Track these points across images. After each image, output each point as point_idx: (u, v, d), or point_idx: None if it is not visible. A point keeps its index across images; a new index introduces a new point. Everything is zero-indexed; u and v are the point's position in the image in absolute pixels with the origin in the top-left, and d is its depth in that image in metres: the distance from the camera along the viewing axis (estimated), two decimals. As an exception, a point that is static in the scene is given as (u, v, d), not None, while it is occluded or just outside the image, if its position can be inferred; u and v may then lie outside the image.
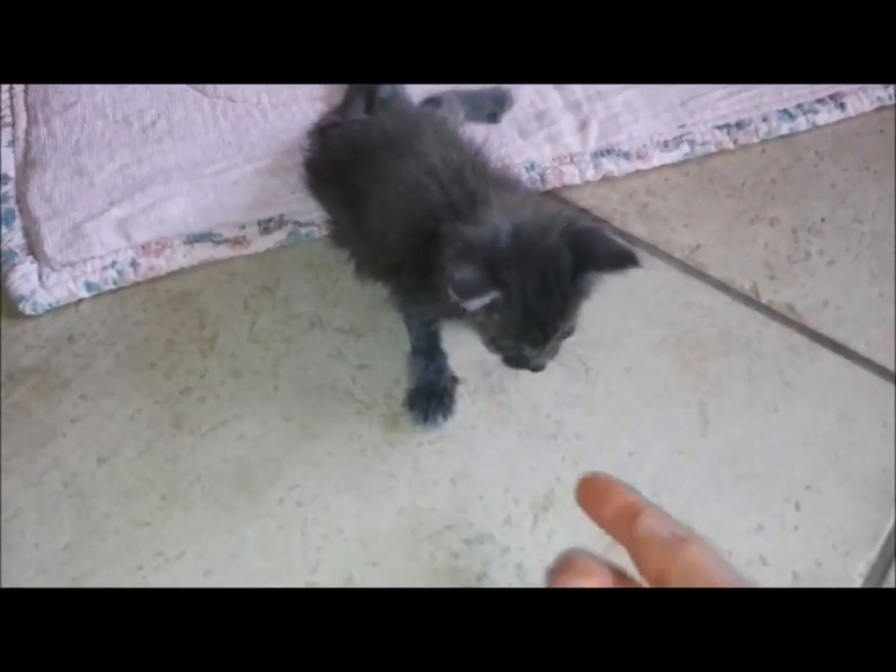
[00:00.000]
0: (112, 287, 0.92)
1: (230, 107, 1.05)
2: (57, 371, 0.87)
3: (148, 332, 0.89)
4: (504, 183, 0.78)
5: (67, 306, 0.91)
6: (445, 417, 0.81)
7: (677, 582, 0.33)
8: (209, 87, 1.07)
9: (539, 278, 0.68)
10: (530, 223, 0.69)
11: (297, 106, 1.05)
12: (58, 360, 0.87)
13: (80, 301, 0.91)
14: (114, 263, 0.92)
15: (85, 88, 1.08)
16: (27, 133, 1.05)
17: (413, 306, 0.82)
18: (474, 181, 0.75)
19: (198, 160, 1.00)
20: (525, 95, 1.05)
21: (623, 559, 0.73)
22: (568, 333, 0.74)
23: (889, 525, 0.75)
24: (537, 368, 0.76)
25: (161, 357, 0.87)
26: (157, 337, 0.88)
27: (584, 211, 0.96)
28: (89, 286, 0.91)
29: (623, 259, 0.69)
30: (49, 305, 0.90)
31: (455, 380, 0.83)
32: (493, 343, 0.75)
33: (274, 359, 0.87)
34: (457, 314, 0.77)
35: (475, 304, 0.67)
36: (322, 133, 0.98)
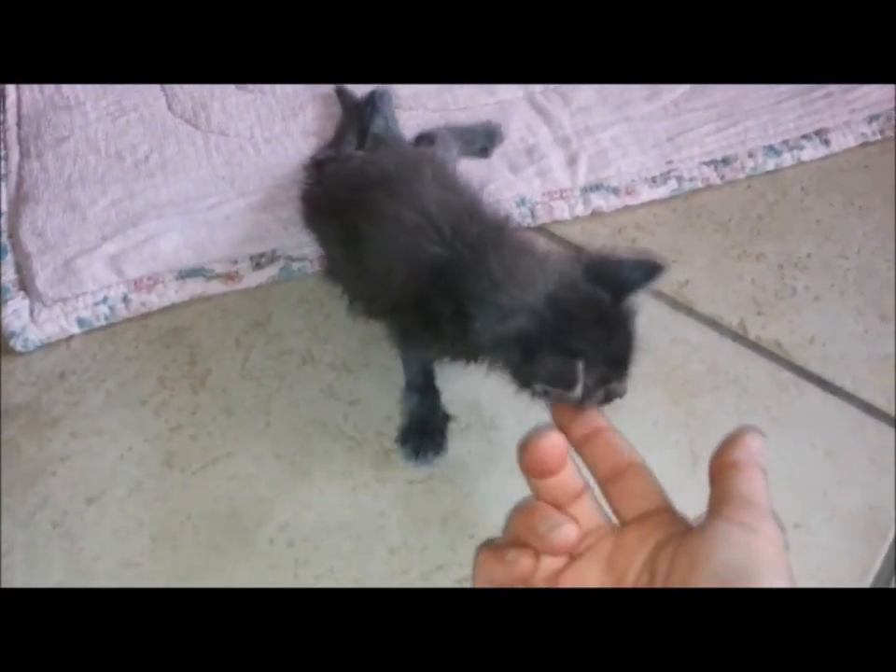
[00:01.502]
0: (103, 322, 0.91)
1: (222, 141, 1.06)
2: (48, 408, 0.86)
3: (140, 369, 0.88)
4: (502, 233, 0.77)
5: (58, 342, 0.90)
6: (437, 454, 0.81)
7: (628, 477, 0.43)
8: (202, 120, 1.08)
9: (600, 328, 0.67)
10: (557, 286, 0.69)
11: (290, 140, 1.06)
12: (49, 397, 0.87)
13: (71, 337, 0.91)
14: (105, 299, 0.92)
15: (78, 121, 1.08)
16: (19, 166, 1.05)
17: (415, 349, 0.82)
18: (473, 230, 0.75)
19: (190, 194, 1.00)
20: (516, 130, 1.06)
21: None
22: (637, 352, 0.72)
23: (878, 564, 0.75)
24: (623, 394, 0.73)
25: (153, 394, 0.87)
26: (148, 373, 0.88)
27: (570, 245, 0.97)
28: (80, 321, 0.91)
29: (648, 272, 0.70)
30: (41, 342, 0.90)
31: (447, 417, 0.83)
32: (586, 398, 0.70)
33: (266, 396, 0.86)
34: (466, 356, 0.77)
35: (579, 389, 0.65)
36: (319, 166, 0.98)
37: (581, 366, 0.66)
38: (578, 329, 0.68)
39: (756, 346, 0.88)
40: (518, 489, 0.81)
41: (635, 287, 0.70)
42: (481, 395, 0.86)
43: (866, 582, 0.74)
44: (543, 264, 0.73)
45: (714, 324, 0.90)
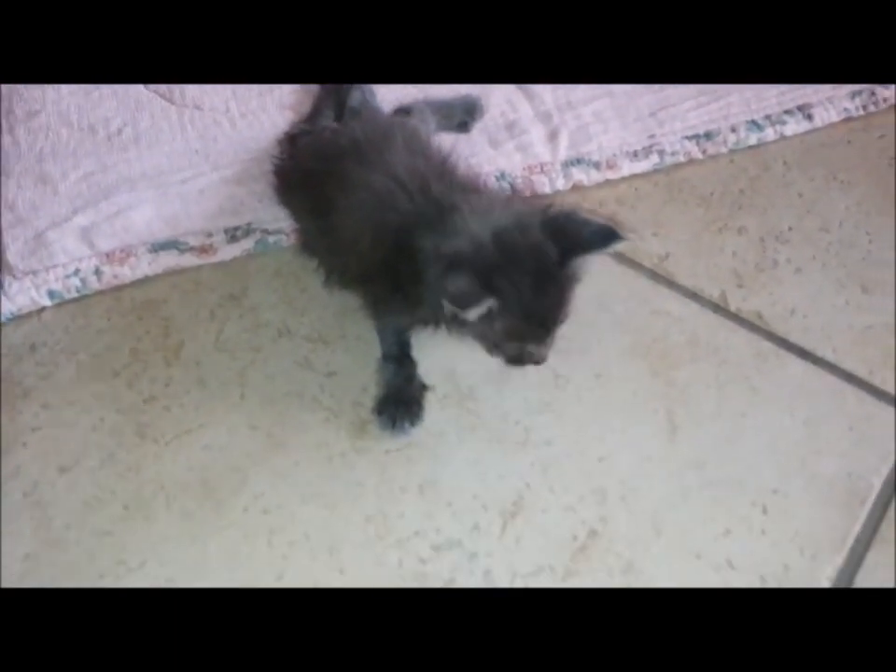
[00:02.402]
0: (75, 295, 0.94)
1: (197, 116, 1.09)
2: (19, 379, 0.88)
3: (112, 341, 0.91)
4: (471, 189, 0.81)
5: (30, 314, 0.93)
6: (413, 424, 0.84)
7: None
8: (176, 95, 1.11)
9: (531, 278, 0.72)
10: (509, 225, 0.73)
11: (265, 115, 1.09)
12: (20, 369, 0.89)
13: (43, 309, 0.93)
14: (77, 271, 0.94)
15: (50, 96, 1.11)
16: (-10, 140, 1.07)
17: (387, 315, 0.85)
18: (440, 189, 0.79)
19: (164, 168, 1.03)
20: (496, 105, 1.10)
21: (590, 565, 0.76)
22: (564, 320, 0.77)
23: (857, 529, 0.78)
24: (541, 360, 0.80)
25: (125, 366, 0.89)
26: (120, 346, 0.91)
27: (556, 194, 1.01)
28: (51, 294, 0.93)
29: (606, 237, 0.73)
30: (11, 314, 0.92)
31: (424, 387, 0.86)
32: (496, 348, 0.78)
33: (241, 368, 0.89)
34: (433, 320, 0.81)
35: (473, 314, 0.70)
36: (292, 141, 1.01)
37: (490, 300, 0.70)
38: (509, 270, 0.71)
39: (736, 318, 0.92)
40: (494, 458, 0.85)
41: (586, 248, 0.73)
42: (458, 365, 0.89)
43: (845, 548, 0.77)
44: (503, 205, 0.77)
45: (695, 296, 0.94)
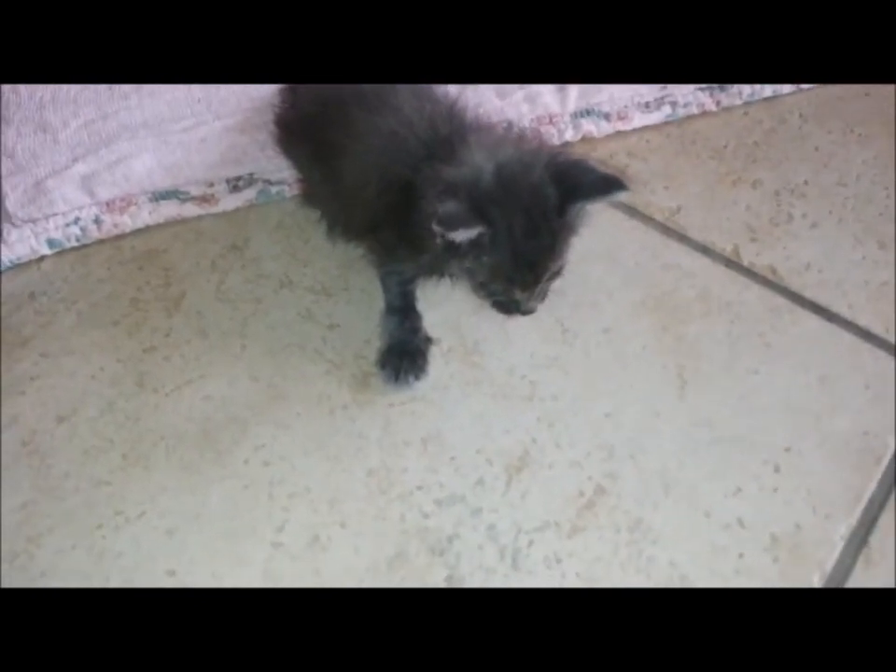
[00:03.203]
0: (75, 244, 0.89)
1: (200, 64, 1.02)
2: (17, 328, 0.84)
3: (112, 290, 0.86)
4: (482, 127, 0.76)
5: (29, 263, 0.88)
6: (417, 377, 0.79)
7: None
8: (180, 44, 1.04)
9: (526, 217, 0.67)
10: (513, 160, 0.68)
11: (270, 64, 1.02)
12: (18, 318, 0.84)
13: (42, 258, 0.88)
14: (77, 220, 0.89)
15: (50, 43, 1.04)
16: (-11, 88, 1.01)
17: (392, 264, 0.80)
18: (449, 128, 0.73)
19: (165, 116, 0.97)
20: (505, 56, 1.03)
21: (597, 522, 0.71)
22: (557, 273, 0.73)
23: (871, 489, 0.73)
24: (527, 311, 0.75)
25: (125, 316, 0.84)
26: (121, 295, 0.86)
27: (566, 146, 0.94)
28: (51, 242, 0.88)
29: (609, 185, 0.68)
30: (10, 262, 0.87)
31: (428, 340, 0.81)
32: (482, 287, 0.73)
33: (242, 319, 0.84)
34: (439, 268, 0.76)
35: (461, 236, 0.66)
36: (293, 90, 0.94)
37: (479, 227, 0.65)
38: (505, 203, 0.67)
39: (749, 272, 0.86)
40: (500, 413, 0.80)
41: (587, 196, 0.68)
42: (464, 319, 0.84)
43: (859, 507, 0.72)
44: (511, 143, 0.71)
45: (706, 250, 0.88)
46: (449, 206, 0.66)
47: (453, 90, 0.85)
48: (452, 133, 0.73)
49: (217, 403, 0.79)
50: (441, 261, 0.73)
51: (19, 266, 0.87)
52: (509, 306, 0.75)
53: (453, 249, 0.68)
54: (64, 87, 1.00)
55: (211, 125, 0.96)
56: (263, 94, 0.98)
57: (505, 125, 0.96)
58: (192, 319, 0.84)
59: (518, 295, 0.73)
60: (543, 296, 0.75)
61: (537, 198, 0.68)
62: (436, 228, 0.66)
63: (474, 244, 0.67)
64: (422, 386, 0.79)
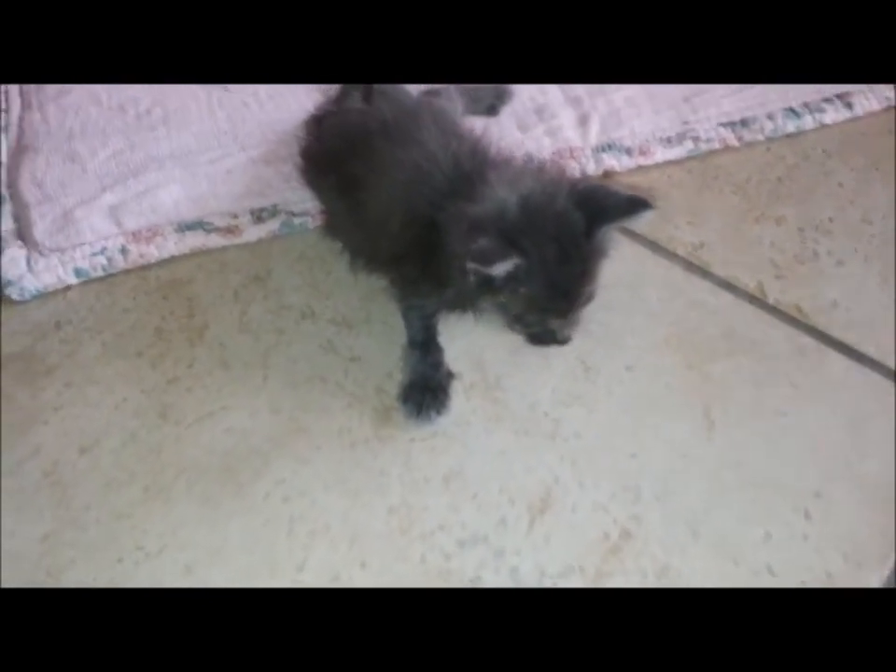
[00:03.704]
0: (101, 273, 0.87)
1: (225, 97, 1.01)
2: (42, 357, 0.82)
3: (137, 320, 0.84)
4: (501, 161, 0.74)
5: (55, 292, 0.87)
6: (439, 413, 0.77)
7: None
8: (207, 76, 1.03)
9: (557, 244, 0.66)
10: (535, 191, 0.67)
11: (293, 96, 1.01)
12: (43, 346, 0.83)
13: (69, 287, 0.87)
14: (104, 250, 0.88)
15: (81, 74, 1.04)
16: (20, 118, 1.01)
17: (415, 298, 0.78)
18: (472, 164, 0.72)
19: (192, 148, 0.96)
20: (525, 89, 1.01)
21: (623, 567, 0.68)
22: (590, 299, 0.71)
23: (902, 535, 0.70)
24: (564, 340, 0.73)
25: (149, 346, 0.82)
26: (145, 325, 0.84)
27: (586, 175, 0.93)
28: (77, 272, 0.87)
29: (634, 205, 0.67)
30: (37, 291, 0.86)
31: (450, 375, 0.79)
32: (518, 320, 0.72)
33: (264, 350, 0.82)
34: (463, 303, 0.74)
35: (497, 270, 0.64)
36: (318, 122, 0.93)
37: (515, 258, 0.64)
38: (534, 234, 0.65)
39: (775, 310, 0.83)
40: (522, 450, 0.77)
41: (613, 217, 0.67)
42: (486, 353, 0.81)
43: (892, 556, 0.69)
44: (531, 175, 0.70)
45: (730, 287, 0.85)
46: (482, 242, 0.64)
47: (478, 124, 0.84)
48: (473, 170, 0.72)
49: (239, 436, 0.77)
50: (470, 297, 0.71)
51: (45, 295, 0.86)
52: (544, 337, 0.73)
53: (487, 285, 0.67)
54: (93, 116, 1.00)
55: (237, 157, 0.95)
56: (288, 127, 0.97)
57: (524, 158, 0.94)
58: (215, 350, 0.82)
59: (554, 324, 0.71)
60: (578, 323, 0.73)
61: (564, 225, 0.66)
62: (470, 265, 0.65)
63: (510, 277, 0.66)
64: (444, 422, 0.77)
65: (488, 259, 0.64)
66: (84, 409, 0.78)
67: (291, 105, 0.99)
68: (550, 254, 0.65)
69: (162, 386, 0.80)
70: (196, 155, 0.95)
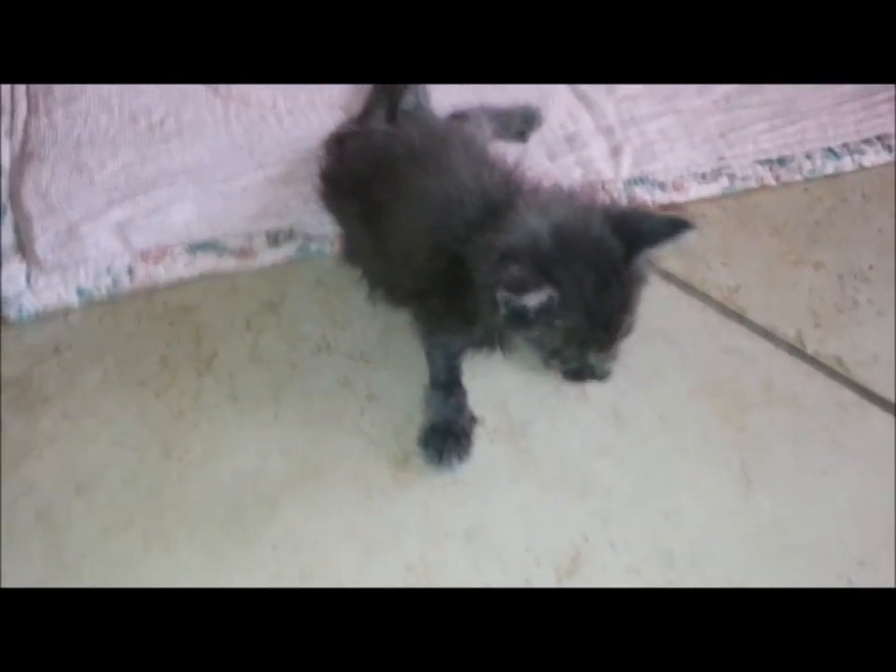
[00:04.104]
0: (105, 294, 0.81)
1: (243, 110, 0.95)
2: (39, 384, 0.76)
3: (141, 347, 0.78)
4: (531, 190, 0.69)
5: (55, 313, 0.80)
6: (461, 459, 0.71)
7: None
8: (222, 87, 0.97)
9: (594, 273, 0.61)
10: (569, 219, 0.62)
11: (314, 113, 0.95)
12: (41, 372, 0.77)
13: (69, 309, 0.80)
14: (109, 269, 0.81)
15: (91, 80, 0.97)
16: (26, 123, 0.94)
17: (441, 335, 0.72)
18: (503, 195, 0.67)
19: (206, 163, 0.90)
20: (555, 116, 0.96)
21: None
22: (630, 330, 0.65)
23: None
24: (602, 376, 0.67)
25: (153, 375, 0.76)
26: (150, 352, 0.78)
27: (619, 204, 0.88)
28: (80, 291, 0.80)
29: (674, 227, 0.62)
30: (36, 311, 0.80)
31: (473, 419, 0.73)
32: (554, 356, 0.66)
33: (276, 384, 0.76)
34: (491, 340, 0.69)
35: (530, 300, 0.59)
36: (340, 142, 0.87)
37: (549, 288, 0.59)
38: (570, 263, 0.60)
39: (814, 362, 0.78)
40: (549, 505, 0.72)
41: (652, 242, 0.62)
42: (511, 397, 0.76)
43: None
44: (563, 201, 0.65)
45: (768, 334, 0.80)
46: (514, 271, 0.59)
47: (508, 152, 0.78)
48: (504, 201, 0.67)
49: (246, 478, 0.71)
50: (501, 333, 0.66)
51: (44, 316, 0.80)
52: (582, 372, 0.67)
53: (519, 318, 0.61)
54: (103, 124, 0.94)
55: (253, 174, 0.89)
56: (308, 145, 0.90)
57: (555, 187, 0.89)
58: (223, 382, 0.76)
59: (593, 359, 0.65)
60: (616, 357, 0.67)
61: (602, 252, 0.61)
62: (501, 295, 0.59)
63: (543, 309, 0.60)
64: (466, 469, 0.71)
65: (521, 288, 0.59)
66: (81, 442, 0.72)
67: (312, 121, 0.93)
68: (587, 283, 0.60)
69: (166, 420, 0.74)
70: (210, 171, 0.89)
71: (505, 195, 0.67)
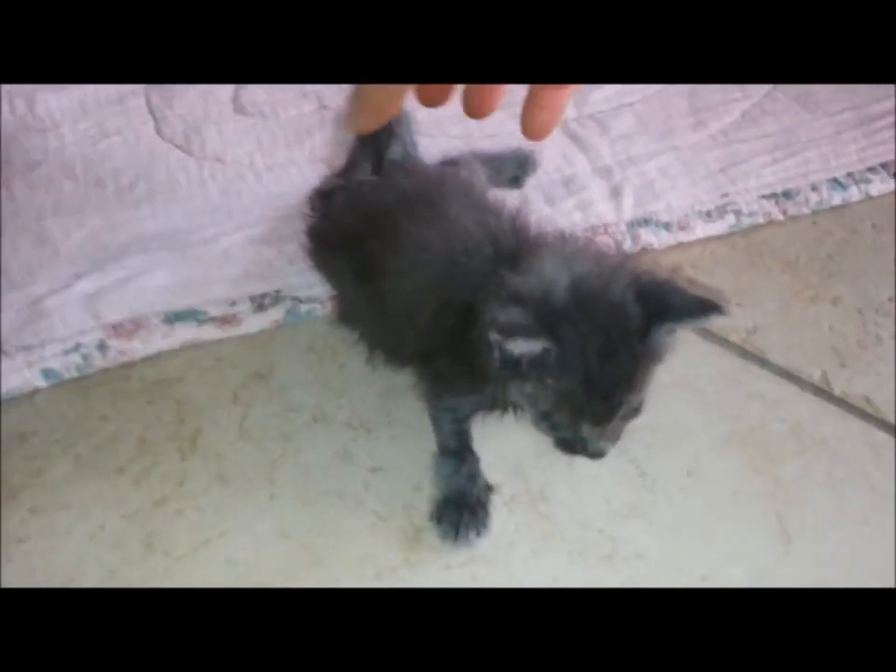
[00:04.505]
0: (75, 374, 0.77)
1: (218, 169, 0.94)
2: (4, 477, 0.72)
3: (116, 430, 0.74)
4: (554, 238, 0.67)
5: (20, 398, 0.76)
6: (479, 533, 0.68)
7: None
8: (195, 146, 0.96)
9: (603, 338, 0.58)
10: (591, 275, 0.60)
11: (295, 168, 0.94)
12: (6, 465, 0.72)
13: (36, 391, 0.77)
14: (78, 346, 0.78)
15: (53, 145, 0.96)
16: (-17, 194, 0.92)
17: (449, 398, 0.69)
18: (515, 241, 0.65)
19: (181, 227, 0.88)
20: (549, 159, 0.96)
21: None
22: (635, 412, 0.62)
23: None
24: (595, 454, 0.63)
25: (131, 461, 0.73)
26: (126, 436, 0.74)
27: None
28: (47, 373, 0.77)
29: (703, 308, 0.59)
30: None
31: (489, 488, 0.70)
32: (545, 418, 0.63)
33: (270, 462, 0.73)
34: (503, 399, 0.66)
35: (519, 348, 0.57)
36: (325, 197, 0.86)
37: (544, 341, 0.56)
38: (579, 321, 0.58)
39: (843, 403, 0.77)
40: (577, 575, 0.69)
41: (676, 317, 0.59)
42: (525, 459, 0.73)
43: None
44: (588, 253, 0.63)
45: (791, 377, 0.79)
46: (511, 313, 0.57)
47: (513, 199, 0.78)
48: (518, 248, 0.65)
49: (240, 569, 0.67)
50: (506, 387, 0.63)
51: (8, 401, 0.76)
52: (574, 444, 0.64)
53: (511, 367, 0.59)
54: (67, 191, 0.92)
55: (233, 236, 0.87)
56: (290, 202, 0.89)
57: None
58: (210, 463, 0.73)
59: (586, 431, 0.62)
60: (616, 437, 0.64)
61: (618, 317, 0.59)
62: (492, 337, 0.57)
63: (536, 362, 0.58)
64: (484, 543, 0.68)
65: (510, 332, 0.56)
66: (53, 541, 0.68)
67: (293, 177, 0.93)
68: (593, 347, 0.57)
69: (147, 509, 0.70)
70: (186, 235, 0.87)
71: (518, 242, 0.66)
